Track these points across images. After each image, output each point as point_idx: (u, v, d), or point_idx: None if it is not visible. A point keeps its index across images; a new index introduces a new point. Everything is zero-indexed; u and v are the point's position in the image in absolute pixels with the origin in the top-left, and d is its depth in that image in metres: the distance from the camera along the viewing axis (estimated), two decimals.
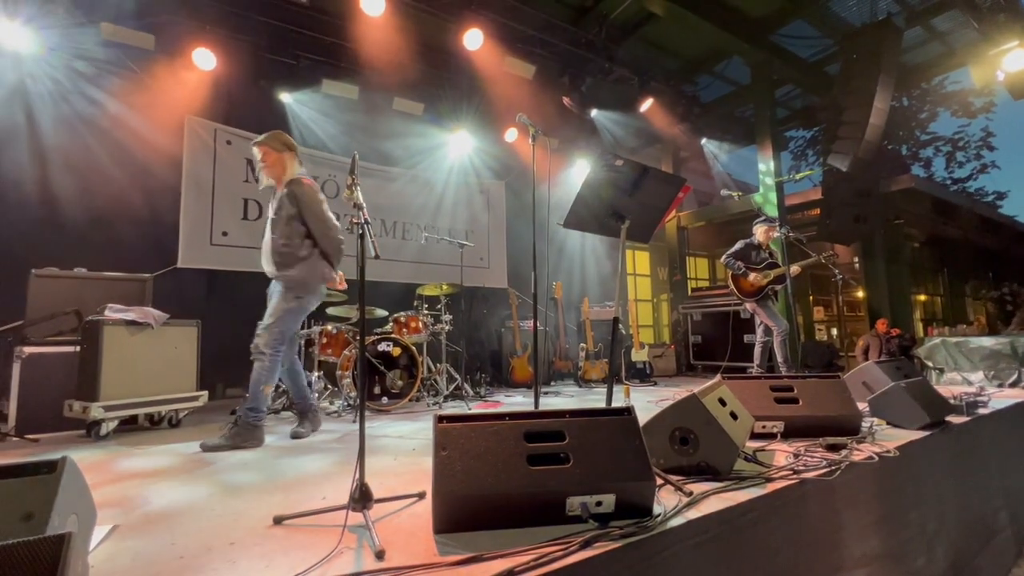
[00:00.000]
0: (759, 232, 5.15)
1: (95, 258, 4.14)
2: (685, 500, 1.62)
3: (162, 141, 5.17)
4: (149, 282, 4.10)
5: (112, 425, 3.21)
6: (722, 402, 2.09)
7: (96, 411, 3.08)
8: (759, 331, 5.15)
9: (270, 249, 3.04)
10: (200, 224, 5.38)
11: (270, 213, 3.11)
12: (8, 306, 3.69)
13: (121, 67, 4.97)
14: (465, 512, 1.43)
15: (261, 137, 3.11)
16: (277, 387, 4.24)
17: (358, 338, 4.20)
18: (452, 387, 4.75)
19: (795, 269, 4.69)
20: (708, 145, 9.16)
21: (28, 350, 3.34)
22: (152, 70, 5.08)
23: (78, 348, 3.34)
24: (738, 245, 5.17)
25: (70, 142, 4.69)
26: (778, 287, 4.98)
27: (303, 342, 4.48)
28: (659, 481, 1.72)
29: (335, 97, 6.05)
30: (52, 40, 4.57)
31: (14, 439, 3.13)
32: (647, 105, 7.17)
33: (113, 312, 3.33)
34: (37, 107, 4.57)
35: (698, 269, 11.88)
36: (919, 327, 11.02)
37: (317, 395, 4.11)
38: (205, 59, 5.13)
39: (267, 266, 3.08)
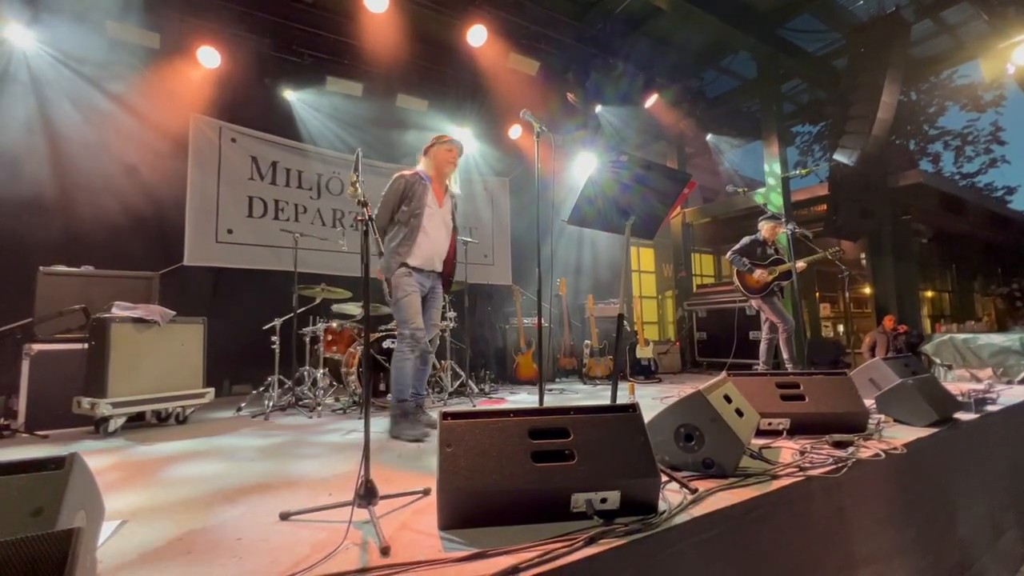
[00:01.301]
0: (764, 228, 5.12)
1: (102, 256, 4.18)
2: (690, 497, 1.61)
3: (167, 139, 5.20)
4: (155, 280, 4.13)
5: (120, 421, 3.24)
6: (727, 399, 2.08)
7: (104, 408, 3.11)
8: (765, 328, 5.13)
9: (445, 248, 3.16)
10: (206, 222, 5.40)
11: (442, 213, 3.17)
12: (16, 304, 3.74)
13: (126, 65, 4.99)
14: (470, 508, 1.43)
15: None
16: (283, 383, 4.26)
17: (363, 335, 4.21)
18: (457, 384, 4.76)
19: (801, 265, 4.65)
20: (714, 140, 9.09)
21: (36, 347, 3.37)
22: (157, 68, 5.10)
23: (86, 345, 3.37)
24: (743, 241, 5.15)
25: (75, 140, 4.71)
26: (784, 283, 4.95)
27: (308, 339, 4.50)
28: (664, 478, 1.71)
29: (339, 94, 6.05)
30: (58, 39, 4.59)
31: (23, 435, 3.17)
32: (652, 101, 7.13)
33: (120, 309, 3.36)
34: (43, 106, 4.61)
35: (703, 265, 11.84)
36: (927, 324, 10.94)
37: (322, 392, 4.12)
38: (210, 57, 5.15)
39: (440, 263, 3.17)
